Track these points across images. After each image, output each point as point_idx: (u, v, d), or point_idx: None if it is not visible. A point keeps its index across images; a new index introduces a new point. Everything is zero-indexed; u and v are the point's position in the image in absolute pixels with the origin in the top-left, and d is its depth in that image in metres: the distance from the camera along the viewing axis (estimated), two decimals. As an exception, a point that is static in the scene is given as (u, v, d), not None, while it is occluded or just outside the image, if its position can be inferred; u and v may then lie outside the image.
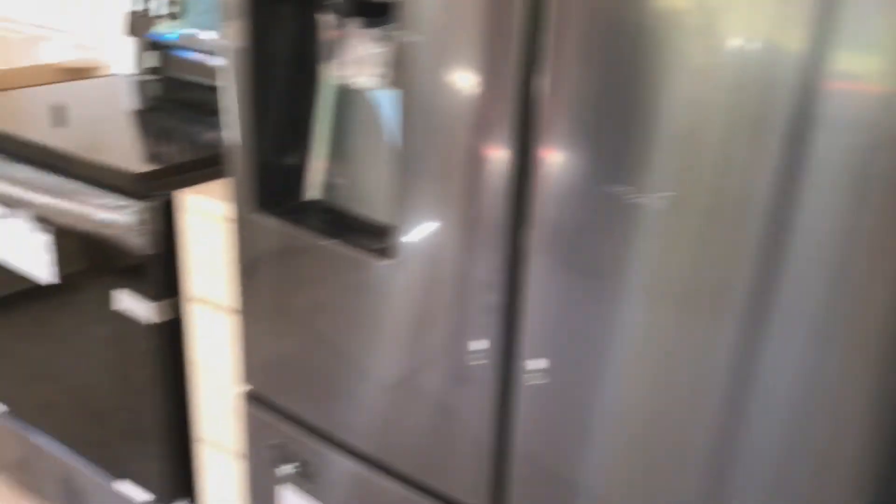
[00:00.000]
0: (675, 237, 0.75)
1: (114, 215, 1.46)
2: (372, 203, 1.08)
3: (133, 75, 2.12)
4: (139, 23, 2.06)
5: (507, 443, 0.94)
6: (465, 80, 0.84)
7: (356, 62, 1.01)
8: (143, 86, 2.07)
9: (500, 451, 0.95)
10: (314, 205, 1.12)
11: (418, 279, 0.95)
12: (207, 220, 1.40)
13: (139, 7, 2.03)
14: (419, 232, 0.92)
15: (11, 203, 1.63)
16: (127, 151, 1.56)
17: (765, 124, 0.69)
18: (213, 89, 1.99)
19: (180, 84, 2.05)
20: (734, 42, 0.68)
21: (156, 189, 1.44)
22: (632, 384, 0.82)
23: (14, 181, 1.59)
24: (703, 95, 0.71)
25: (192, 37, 1.98)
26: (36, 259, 1.66)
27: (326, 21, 1.06)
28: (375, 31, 0.99)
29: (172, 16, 2.00)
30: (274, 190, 1.09)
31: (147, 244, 1.45)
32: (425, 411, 1.00)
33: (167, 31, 2.02)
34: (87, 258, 1.57)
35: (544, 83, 0.79)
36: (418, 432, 1.01)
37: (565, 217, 0.81)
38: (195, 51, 2.01)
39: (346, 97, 1.08)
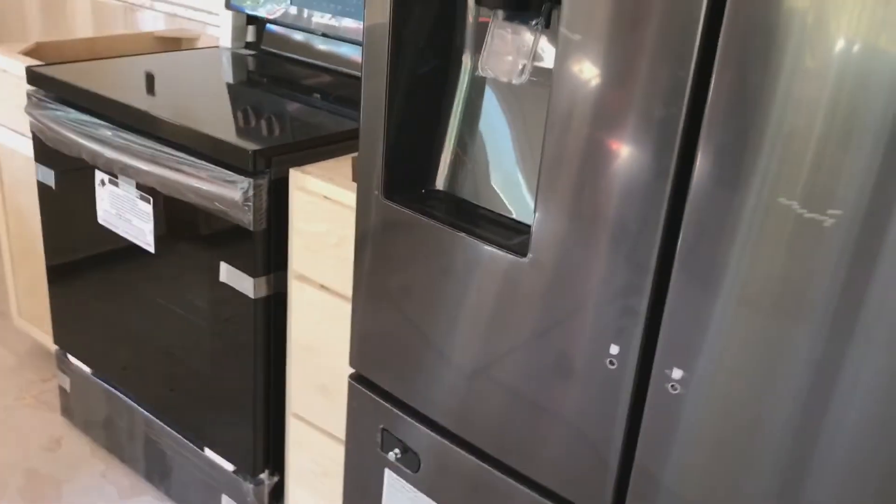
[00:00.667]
0: (823, 254, 0.74)
1: (223, 190, 1.47)
2: (503, 198, 1.08)
3: (232, 49, 2.14)
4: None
5: (632, 453, 0.93)
6: (618, 79, 0.83)
7: (498, 52, 1.00)
8: (243, 60, 2.08)
9: (624, 461, 0.95)
10: (441, 195, 1.12)
11: (550, 279, 0.94)
12: (315, 200, 1.41)
13: (242, -19, 2.04)
14: (555, 232, 0.92)
15: (119, 170, 1.66)
16: (232, 126, 1.57)
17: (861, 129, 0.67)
18: (315, 68, 2.00)
19: (281, 61, 2.06)
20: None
21: (265, 166, 1.45)
22: (763, 406, 0.81)
23: (121, 149, 1.61)
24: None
25: (295, 15, 1.99)
26: (139, 226, 1.68)
27: (470, 7, 1.05)
28: (520, 24, 0.98)
29: (274, -9, 2.00)
30: (401, 176, 1.09)
31: (254, 220, 1.47)
32: (548, 413, 0.99)
33: (270, 7, 2.03)
34: (193, 229, 1.59)
35: (711, 87, 0.77)
36: (538, 433, 1.01)
37: (714, 227, 0.80)
38: (298, 28, 2.02)
39: (484, 88, 1.08)
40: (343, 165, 1.49)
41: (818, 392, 0.78)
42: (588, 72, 0.85)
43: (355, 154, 1.54)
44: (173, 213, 1.62)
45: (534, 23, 0.97)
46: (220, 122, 1.58)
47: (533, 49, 0.97)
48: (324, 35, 1.98)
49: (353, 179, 1.44)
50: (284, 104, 1.74)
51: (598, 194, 0.87)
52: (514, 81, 1.00)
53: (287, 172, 1.46)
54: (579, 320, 0.92)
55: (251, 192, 1.45)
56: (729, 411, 0.84)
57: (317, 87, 1.89)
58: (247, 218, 1.47)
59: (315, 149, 1.52)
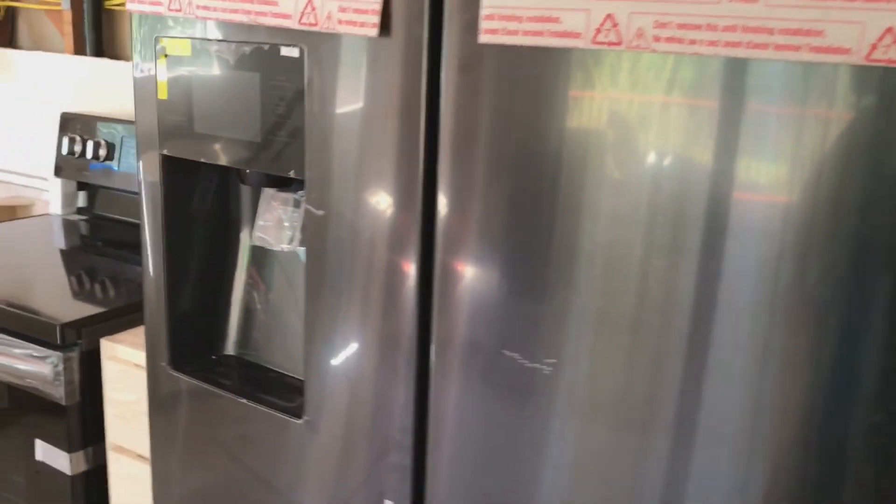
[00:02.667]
0: (599, 351, 0.76)
1: (33, 366, 1.45)
2: (292, 358, 1.10)
3: (63, 215, 2.13)
4: (69, 164, 2.09)
5: None
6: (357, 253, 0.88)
7: (268, 223, 1.04)
8: (72, 226, 2.08)
9: None
10: (233, 360, 1.14)
11: (323, 440, 0.96)
12: (127, 368, 1.40)
13: (69, 149, 2.06)
14: (322, 391, 0.94)
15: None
16: (46, 298, 1.56)
17: (681, 237, 0.71)
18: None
19: (110, 224, 2.07)
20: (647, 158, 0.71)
21: (76, 338, 1.44)
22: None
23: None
24: (610, 210, 0.73)
25: (123, 177, 2.01)
26: (-48, 410, 1.62)
27: (242, 187, 1.11)
28: (285, 195, 1.04)
29: (98, 157, 2.03)
30: (189, 344, 1.11)
31: (66, 394, 1.44)
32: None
33: (97, 171, 2.05)
34: (6, 406, 1.54)
35: (441, 202, 0.81)
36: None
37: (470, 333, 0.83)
38: (126, 192, 2.04)
39: (262, 256, 1.12)
40: (159, 330, 1.49)
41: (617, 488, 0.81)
42: (333, 242, 0.90)
43: (172, 317, 1.54)
44: (-14, 392, 1.57)
45: (297, 196, 1.03)
46: (34, 295, 1.56)
47: (300, 220, 1.02)
48: (154, 196, 2.01)
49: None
50: (106, 270, 1.74)
51: (356, 354, 0.91)
52: (284, 249, 1.04)
53: (98, 342, 1.45)
54: (352, 478, 0.94)
55: (61, 367, 1.43)
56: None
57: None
58: (58, 393, 1.44)
59: (129, 315, 1.51)
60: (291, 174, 0.91)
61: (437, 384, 0.86)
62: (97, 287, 1.62)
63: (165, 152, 1.03)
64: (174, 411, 1.11)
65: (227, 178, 1.11)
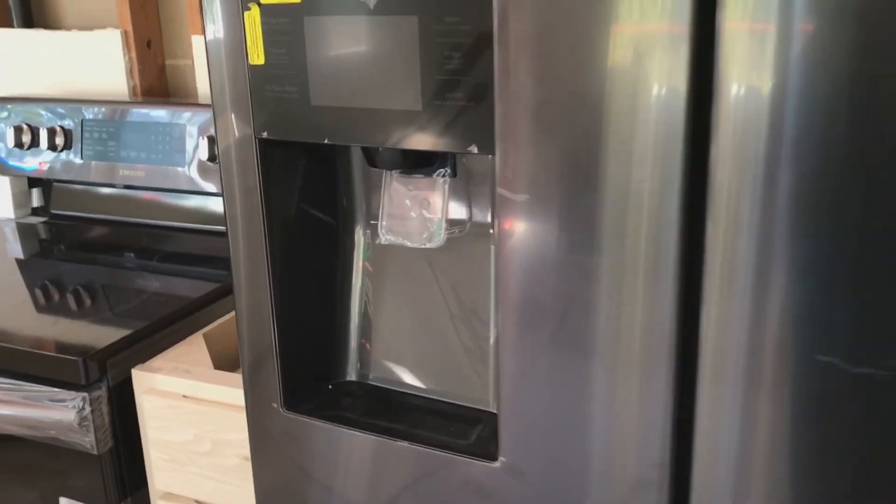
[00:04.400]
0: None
1: (51, 412, 1.18)
2: (429, 377, 0.88)
3: (16, 219, 1.81)
4: (17, 158, 1.76)
5: None
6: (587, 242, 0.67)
7: (399, 215, 0.81)
8: (31, 231, 1.77)
9: None
10: (354, 387, 0.90)
11: (539, 484, 0.75)
12: (172, 402, 1.15)
13: (16, 140, 1.73)
14: (535, 422, 0.73)
15: None
16: (49, 326, 1.28)
17: None
18: (122, 226, 1.73)
19: (76, 224, 1.77)
20: None
21: (100, 373, 1.17)
22: None
23: None
24: None
25: (86, 168, 1.71)
26: (-60, 472, 1.33)
27: (356, 166, 0.87)
28: (419, 178, 0.80)
29: (55, 147, 1.72)
30: (302, 377, 0.87)
31: (97, 441, 1.18)
32: None
33: (54, 164, 1.73)
34: (20, 464, 1.27)
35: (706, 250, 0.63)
36: None
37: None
38: (94, 185, 1.74)
39: (385, 255, 0.89)
40: (196, 348, 1.24)
41: None
42: (539, 234, 0.68)
43: (208, 328, 1.29)
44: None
45: (440, 175, 0.80)
46: (28, 325, 1.28)
47: (444, 206, 0.80)
48: (128, 187, 1.72)
49: (215, 366, 1.20)
50: (95, 281, 1.46)
51: (582, 372, 0.70)
52: (427, 246, 0.82)
53: (129, 373, 1.19)
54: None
55: (88, 410, 1.16)
56: None
57: (133, 248, 1.62)
58: (87, 440, 1.18)
59: (154, 336, 1.26)
60: (473, 149, 0.68)
61: (706, 405, 0.66)
62: (99, 304, 1.35)
63: (265, 135, 0.78)
64: (296, 463, 0.88)
65: (334, 161, 0.87)
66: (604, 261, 0.66)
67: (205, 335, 1.28)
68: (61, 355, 1.16)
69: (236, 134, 0.79)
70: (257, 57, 0.75)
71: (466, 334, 0.84)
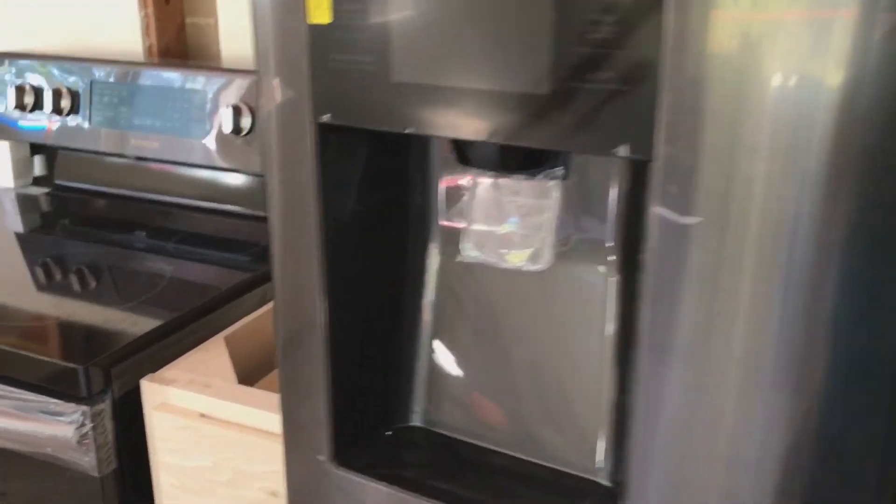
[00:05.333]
0: None
1: (46, 427, 1.01)
2: (520, 437, 0.70)
3: (16, 189, 1.64)
4: (16, 120, 1.58)
5: None
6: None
7: (489, 225, 0.63)
8: (31, 203, 1.59)
9: None
10: (418, 435, 0.72)
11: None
12: (188, 422, 0.98)
13: (18, 101, 1.55)
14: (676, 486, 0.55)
15: None
16: (41, 321, 1.10)
17: None
18: (133, 201, 1.54)
19: (82, 196, 1.59)
20: None
21: (104, 384, 1.00)
22: None
23: None
24: None
25: (94, 135, 1.53)
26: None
27: (435, 163, 0.68)
28: (531, 183, 0.62)
29: (59, 111, 1.54)
30: (355, 421, 0.69)
31: (99, 461, 1.01)
32: None
33: (60, 129, 1.55)
34: (10, 484, 1.10)
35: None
36: None
37: None
38: (104, 154, 1.56)
39: (470, 275, 0.70)
40: (215, 355, 1.07)
41: None
42: (706, 265, 0.50)
43: (230, 331, 1.11)
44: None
45: (551, 176, 0.61)
46: (18, 319, 1.11)
47: (556, 218, 0.61)
48: (139, 159, 1.53)
49: (238, 377, 1.02)
50: (105, 263, 1.28)
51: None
52: (530, 268, 0.63)
53: (136, 383, 1.02)
54: None
55: (89, 426, 0.99)
56: None
57: (145, 227, 1.44)
58: (87, 461, 1.01)
59: (167, 339, 1.08)
60: (622, 151, 0.50)
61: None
62: (105, 296, 1.17)
63: (326, 119, 0.59)
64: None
65: (406, 153, 0.68)
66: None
67: (226, 339, 1.11)
68: (59, 361, 0.99)
69: (286, 115, 0.61)
70: (320, 14, 0.56)
71: (569, 380, 0.66)
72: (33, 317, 1.11)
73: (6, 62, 1.57)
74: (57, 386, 1.00)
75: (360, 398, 0.70)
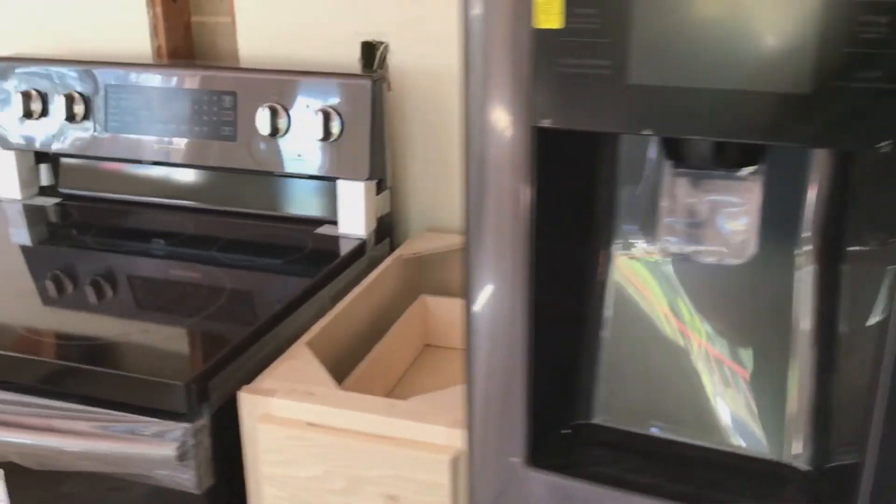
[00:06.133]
0: None
1: (143, 447, 0.98)
2: (697, 425, 0.72)
3: (23, 200, 1.56)
4: (23, 128, 1.51)
5: None
6: None
7: (687, 220, 0.64)
8: (41, 214, 1.52)
9: None
10: (598, 433, 0.73)
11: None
12: (294, 432, 0.96)
13: (25, 108, 1.48)
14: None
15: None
16: (116, 338, 1.06)
17: None
18: (158, 209, 1.50)
19: (94, 206, 1.53)
20: None
21: (201, 398, 0.97)
22: None
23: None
24: None
25: (111, 143, 1.47)
26: (-17, 514, 1.11)
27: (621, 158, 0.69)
28: (731, 180, 0.63)
29: (73, 118, 1.48)
30: (545, 420, 0.70)
31: (198, 477, 0.98)
32: None
33: (71, 137, 1.49)
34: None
35: None
36: None
37: None
38: (118, 160, 1.50)
39: (648, 270, 0.71)
40: (304, 362, 1.05)
41: None
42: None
43: (310, 336, 1.10)
44: (45, 487, 1.07)
45: (754, 172, 0.63)
46: (100, 338, 1.06)
47: (757, 213, 0.63)
48: (156, 163, 1.49)
49: (351, 386, 1.01)
50: (158, 277, 1.24)
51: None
52: (729, 262, 0.65)
53: (229, 397, 1.00)
54: None
55: (191, 443, 0.96)
56: None
57: (179, 236, 1.40)
58: (187, 479, 0.98)
59: (250, 348, 1.06)
60: (884, 148, 0.52)
61: None
62: (171, 309, 1.13)
63: (546, 123, 0.59)
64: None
65: (602, 150, 0.69)
66: None
67: (313, 338, 1.10)
68: (160, 379, 0.96)
69: (498, 119, 0.61)
70: (551, 19, 0.56)
71: (758, 370, 0.68)
72: (107, 334, 1.07)
73: (12, 68, 1.50)
74: (150, 403, 0.97)
75: (549, 399, 0.70)
